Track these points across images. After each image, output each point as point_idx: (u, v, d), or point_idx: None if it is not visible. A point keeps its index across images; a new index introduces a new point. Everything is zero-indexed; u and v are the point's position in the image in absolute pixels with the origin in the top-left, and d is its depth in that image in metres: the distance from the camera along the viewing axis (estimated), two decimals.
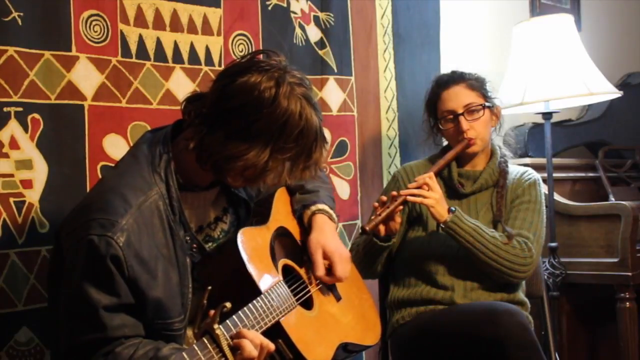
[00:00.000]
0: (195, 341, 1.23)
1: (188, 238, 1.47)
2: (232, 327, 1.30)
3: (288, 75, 1.40)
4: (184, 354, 1.11)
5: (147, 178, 1.41)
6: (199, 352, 1.14)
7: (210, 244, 1.55)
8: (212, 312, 1.24)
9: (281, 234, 1.68)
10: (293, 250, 1.71)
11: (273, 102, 1.35)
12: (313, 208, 1.73)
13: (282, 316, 1.44)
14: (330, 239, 1.69)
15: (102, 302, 1.30)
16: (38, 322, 1.76)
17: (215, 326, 1.19)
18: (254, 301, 1.38)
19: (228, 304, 1.21)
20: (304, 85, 1.43)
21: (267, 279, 1.49)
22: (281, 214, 1.72)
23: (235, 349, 1.24)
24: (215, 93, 1.41)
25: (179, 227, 1.44)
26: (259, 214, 1.66)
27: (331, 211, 1.76)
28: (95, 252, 1.30)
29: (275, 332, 1.38)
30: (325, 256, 1.68)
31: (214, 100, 1.40)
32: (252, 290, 1.41)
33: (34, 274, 1.76)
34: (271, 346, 1.30)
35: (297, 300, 1.55)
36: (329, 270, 1.69)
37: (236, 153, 1.36)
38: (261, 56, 1.47)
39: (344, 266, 1.70)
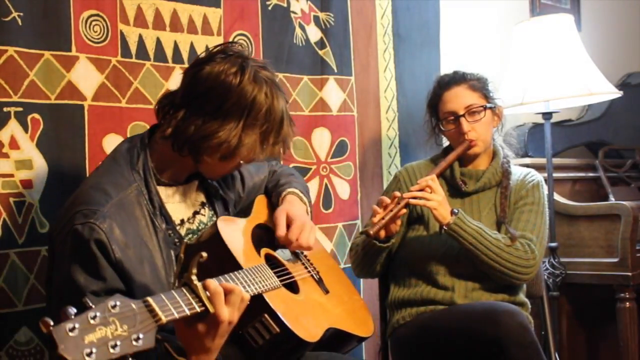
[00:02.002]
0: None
1: (170, 232, 1.51)
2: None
3: (251, 61, 1.51)
4: (162, 295, 1.11)
5: (127, 176, 1.49)
6: (177, 297, 1.13)
7: (190, 235, 1.58)
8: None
9: (263, 229, 1.69)
10: (275, 245, 1.71)
11: (239, 84, 1.46)
12: (284, 193, 1.78)
13: (266, 291, 1.43)
14: (296, 209, 1.71)
15: (89, 287, 1.34)
16: (38, 322, 1.75)
17: (193, 277, 1.19)
18: (235, 272, 1.37)
19: (204, 253, 1.20)
20: (268, 70, 1.53)
21: (248, 260, 1.49)
22: (262, 213, 1.74)
23: (214, 297, 1.20)
24: (185, 82, 1.52)
25: (161, 220, 1.49)
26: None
27: (302, 195, 1.79)
28: (79, 238, 1.35)
29: (259, 307, 1.36)
30: (289, 220, 1.67)
31: (185, 88, 1.51)
32: (233, 268, 1.40)
33: (34, 274, 1.77)
34: (245, 295, 1.25)
35: (281, 282, 1.54)
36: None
37: (210, 131, 1.46)
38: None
39: (305, 233, 1.65)
